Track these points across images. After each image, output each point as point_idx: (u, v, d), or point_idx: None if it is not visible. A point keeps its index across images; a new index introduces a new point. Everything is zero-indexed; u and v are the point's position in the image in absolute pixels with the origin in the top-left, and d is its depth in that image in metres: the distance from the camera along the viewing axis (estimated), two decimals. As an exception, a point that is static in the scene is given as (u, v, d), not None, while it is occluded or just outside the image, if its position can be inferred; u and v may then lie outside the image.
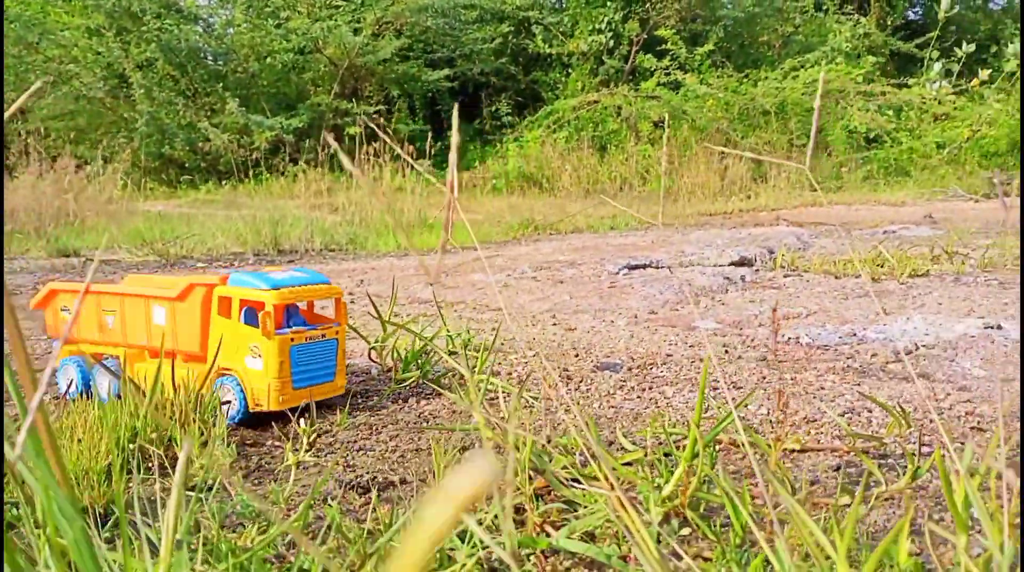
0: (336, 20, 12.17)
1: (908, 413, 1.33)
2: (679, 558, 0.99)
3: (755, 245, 4.70)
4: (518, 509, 1.15)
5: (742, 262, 4.08)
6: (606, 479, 0.90)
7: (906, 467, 1.30)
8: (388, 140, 0.69)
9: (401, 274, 4.29)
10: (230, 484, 1.18)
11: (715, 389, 1.87)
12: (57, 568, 0.76)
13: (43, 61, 11.21)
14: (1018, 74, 12.36)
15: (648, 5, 12.20)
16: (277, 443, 1.54)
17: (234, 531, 1.11)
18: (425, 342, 1.93)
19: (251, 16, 12.69)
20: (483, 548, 1.02)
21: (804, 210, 7.84)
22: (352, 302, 3.20)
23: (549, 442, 1.35)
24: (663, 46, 11.88)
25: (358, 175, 0.60)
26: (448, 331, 2.11)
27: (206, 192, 10.80)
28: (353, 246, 5.94)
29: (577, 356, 2.28)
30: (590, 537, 1.06)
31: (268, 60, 12.49)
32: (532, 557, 1.02)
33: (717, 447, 1.45)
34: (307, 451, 1.27)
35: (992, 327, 2.24)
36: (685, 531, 1.04)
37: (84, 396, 1.74)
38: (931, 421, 1.56)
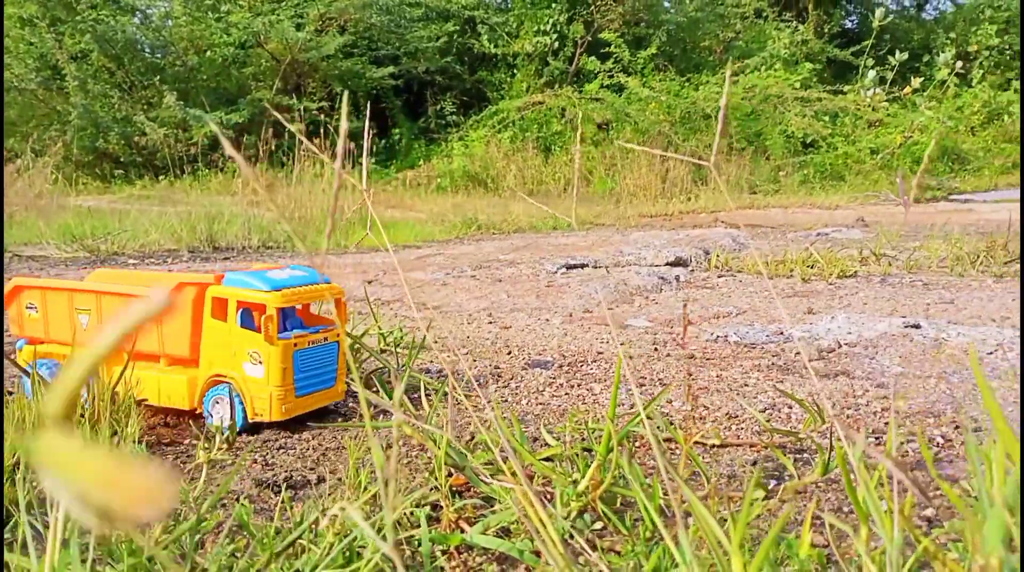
0: (278, 15, 12.00)
1: (822, 409, 1.36)
2: (592, 551, 0.99)
3: (692, 246, 4.77)
4: (435, 506, 1.14)
5: (678, 262, 4.14)
6: (513, 475, 0.90)
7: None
8: (302, 143, 0.67)
9: (339, 272, 4.25)
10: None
11: (642, 386, 1.88)
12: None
13: (-29, 50, 10.80)
14: (949, 82, 12.78)
15: (592, 8, 12.30)
16: (195, 442, 1.50)
17: (143, 532, 1.08)
18: (354, 340, 1.91)
19: (190, 9, 12.43)
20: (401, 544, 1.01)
21: (742, 212, 7.98)
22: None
23: (472, 439, 1.35)
24: (607, 49, 11.98)
25: (248, 172, 0.59)
26: (379, 329, 2.09)
27: (141, 187, 10.54)
28: (291, 244, 5.86)
29: (510, 353, 2.28)
30: (506, 532, 1.06)
31: (208, 54, 12.25)
32: (446, 554, 1.01)
33: (638, 442, 1.47)
34: (221, 450, 1.24)
35: (912, 326, 2.30)
36: (598, 525, 1.05)
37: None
38: (847, 417, 1.59)
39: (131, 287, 1.63)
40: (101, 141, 11.37)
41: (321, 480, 1.30)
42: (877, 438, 1.47)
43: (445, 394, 1.70)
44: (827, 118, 11.12)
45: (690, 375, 1.60)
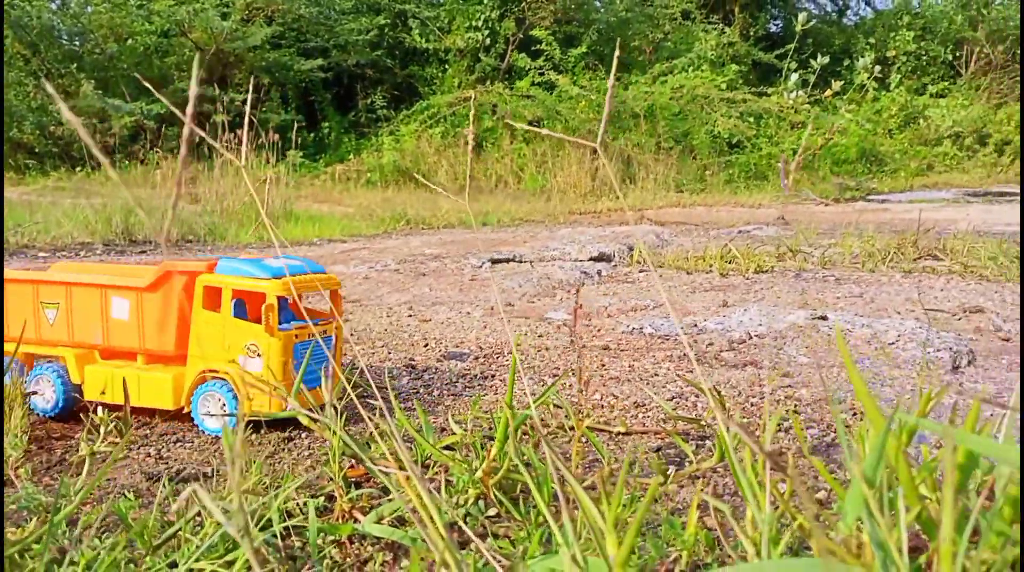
0: (203, 3, 11.69)
1: (723, 397, 1.38)
2: (484, 538, 0.98)
3: (616, 242, 4.81)
4: (330, 497, 1.12)
5: (601, 258, 4.17)
6: (396, 461, 0.89)
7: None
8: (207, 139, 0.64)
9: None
10: (16, 477, 1.09)
11: (554, 376, 1.89)
12: None
13: None
14: (868, 86, 13.22)
15: (524, 4, 12.32)
16: (90, 436, 1.44)
17: (19, 526, 1.03)
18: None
19: (111, -6, 12.02)
20: (284, 537, 0.99)
21: (668, 210, 8.10)
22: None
23: (376, 429, 1.33)
24: (538, 46, 12.03)
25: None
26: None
27: (57, 179, 10.14)
28: (212, 237, 5.72)
29: (427, 346, 2.27)
30: (403, 522, 1.05)
31: (128, 42, 11.86)
32: (338, 544, 0.99)
33: (545, 430, 1.47)
34: (108, 443, 1.19)
35: (819, 318, 2.36)
36: (492, 511, 1.04)
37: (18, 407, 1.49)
38: (752, 405, 1.62)
39: (111, 277, 1.51)
40: (15, 130, 10.91)
41: (217, 472, 1.26)
42: (777, 425, 1.50)
43: (357, 386, 1.68)
44: (752, 119, 11.38)
45: (580, 366, 1.61)
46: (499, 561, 0.92)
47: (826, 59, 12.04)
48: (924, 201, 8.56)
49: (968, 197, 9.05)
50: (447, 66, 12.88)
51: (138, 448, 1.39)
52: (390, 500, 1.09)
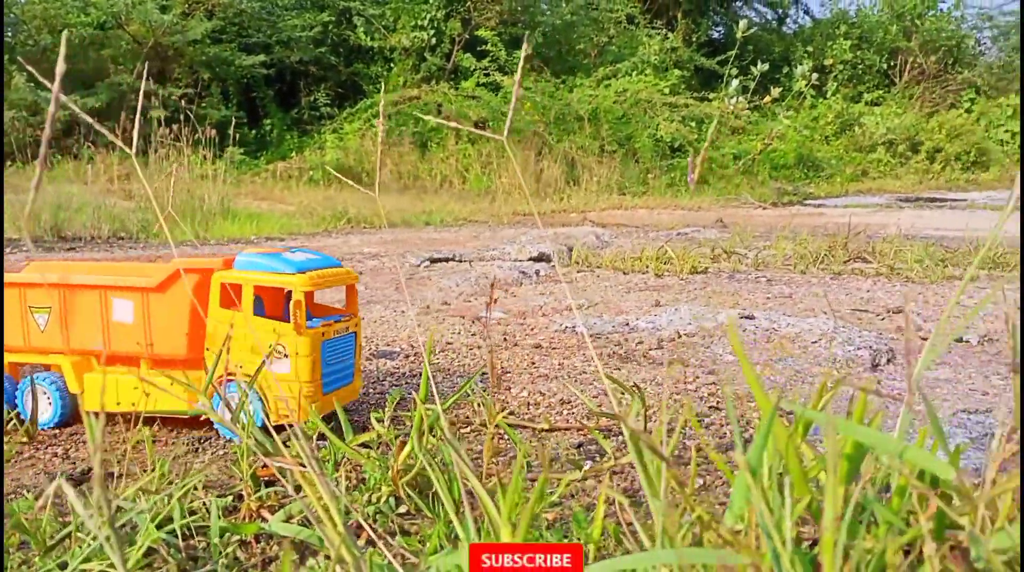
0: (142, -5, 11.41)
1: (643, 393, 1.38)
2: (393, 535, 0.97)
3: (557, 243, 4.83)
4: (240, 496, 1.09)
5: (540, 258, 4.18)
6: (296, 459, 0.87)
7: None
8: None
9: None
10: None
11: (484, 374, 1.88)
12: None
13: None
14: (805, 93, 13.52)
15: (470, 4, 12.31)
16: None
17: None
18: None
19: (45, -15, 11.66)
20: (188, 537, 0.96)
21: (611, 212, 8.17)
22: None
23: (291, 427, 1.31)
24: (483, 47, 12.03)
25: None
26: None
27: (-16, 173, 9.78)
28: (145, 234, 5.58)
29: (357, 345, 2.24)
30: (310, 521, 1.03)
31: (64, 34, 11.51)
32: (244, 544, 0.97)
33: (468, 428, 1.46)
34: (17, 443, 1.15)
35: (747, 317, 2.40)
36: (403, 509, 1.03)
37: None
38: (675, 401, 1.64)
39: (113, 278, 1.41)
40: (-60, 123, 10.50)
41: (129, 474, 1.22)
42: (700, 420, 1.52)
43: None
44: (693, 124, 11.55)
45: (491, 363, 1.62)
46: (407, 559, 0.91)
47: (766, 66, 12.28)
48: (858, 206, 8.79)
49: (900, 202, 9.32)
50: (392, 65, 12.80)
51: (45, 448, 1.34)
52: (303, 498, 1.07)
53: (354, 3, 12.69)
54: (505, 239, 5.27)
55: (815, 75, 13.45)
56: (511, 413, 1.56)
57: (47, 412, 1.42)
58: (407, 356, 2.11)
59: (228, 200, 6.77)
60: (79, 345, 1.42)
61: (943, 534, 0.64)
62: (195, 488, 1.06)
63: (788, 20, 18.13)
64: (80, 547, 0.83)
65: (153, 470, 1.05)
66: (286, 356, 1.32)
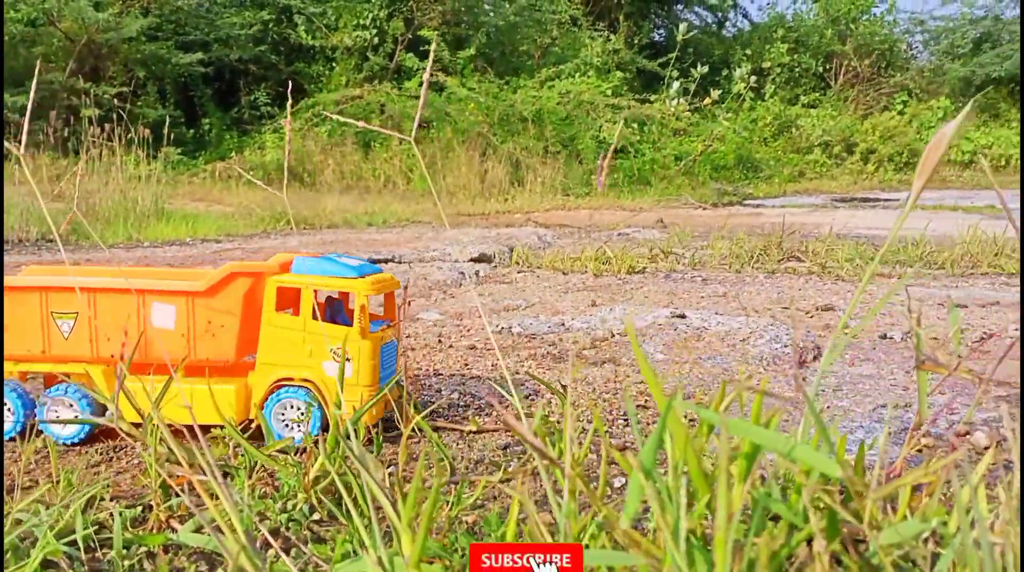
0: (74, -10, 11.09)
1: (566, 392, 1.39)
2: (307, 543, 0.95)
3: (499, 243, 4.83)
4: (150, 507, 1.06)
5: (481, 259, 4.17)
6: (190, 467, 0.85)
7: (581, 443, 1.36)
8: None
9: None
10: None
11: (417, 376, 1.86)
12: None
13: None
14: (744, 95, 13.76)
15: (413, 4, 12.24)
16: None
17: None
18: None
19: (-31, -22, 11.24)
20: (93, 549, 0.93)
21: (554, 213, 8.20)
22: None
23: (206, 432, 1.28)
24: (426, 47, 11.97)
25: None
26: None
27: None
28: (76, 237, 5.42)
29: (288, 348, 2.20)
30: (220, 530, 1.00)
31: (-10, 29, 11.13)
32: (151, 555, 0.94)
33: (395, 432, 1.44)
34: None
35: (678, 316, 2.43)
36: (317, 516, 1.01)
37: (26, 436, 1.31)
38: (604, 400, 1.65)
39: (143, 281, 1.34)
40: None
41: (35, 484, 1.18)
42: (625, 420, 1.52)
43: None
44: (636, 125, 11.66)
45: (405, 365, 1.61)
46: (319, 567, 0.89)
47: (706, 69, 12.48)
48: (795, 206, 8.97)
49: (835, 202, 9.54)
50: (334, 64, 12.66)
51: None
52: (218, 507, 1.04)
53: (295, 1, 12.52)
54: (448, 240, 5.25)
55: (753, 78, 13.71)
56: (439, 416, 1.55)
57: (74, 426, 1.34)
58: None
59: (163, 201, 6.62)
60: (108, 353, 1.36)
61: (838, 529, 0.65)
62: (102, 498, 1.02)
63: (727, 23, 18.44)
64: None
65: (57, 481, 1.01)
66: (348, 360, 1.32)
